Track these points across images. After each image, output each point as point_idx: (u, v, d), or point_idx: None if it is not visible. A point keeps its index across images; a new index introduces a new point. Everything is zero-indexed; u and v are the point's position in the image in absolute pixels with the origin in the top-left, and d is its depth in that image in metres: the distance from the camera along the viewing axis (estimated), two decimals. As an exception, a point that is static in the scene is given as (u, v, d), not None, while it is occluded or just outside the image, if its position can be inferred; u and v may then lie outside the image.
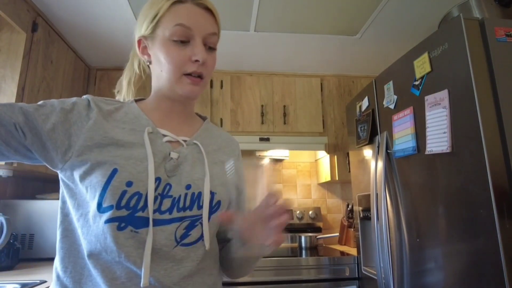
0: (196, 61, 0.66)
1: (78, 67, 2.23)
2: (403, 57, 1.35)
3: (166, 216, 0.62)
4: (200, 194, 0.66)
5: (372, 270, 1.63)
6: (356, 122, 1.77)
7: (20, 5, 1.59)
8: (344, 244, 2.44)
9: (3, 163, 1.50)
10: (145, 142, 0.64)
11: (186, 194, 0.64)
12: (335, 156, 2.44)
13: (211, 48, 0.72)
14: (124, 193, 0.59)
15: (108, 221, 0.58)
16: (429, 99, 1.17)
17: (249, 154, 2.60)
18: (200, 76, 0.68)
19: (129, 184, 0.59)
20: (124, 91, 0.79)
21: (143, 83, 0.81)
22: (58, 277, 0.62)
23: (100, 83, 2.40)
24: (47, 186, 2.43)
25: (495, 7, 1.40)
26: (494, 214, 0.92)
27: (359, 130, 1.72)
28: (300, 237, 2.36)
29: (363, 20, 1.92)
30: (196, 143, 0.71)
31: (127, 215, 0.59)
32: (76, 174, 0.61)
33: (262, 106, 2.45)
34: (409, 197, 1.30)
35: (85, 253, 0.60)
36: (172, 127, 0.72)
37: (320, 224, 2.55)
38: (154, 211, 0.60)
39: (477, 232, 0.98)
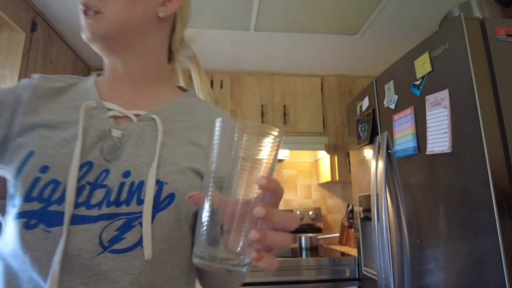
0: None
1: (78, 67, 2.23)
2: (403, 57, 1.35)
3: (94, 211, 0.47)
4: (142, 184, 0.49)
5: (373, 271, 1.63)
6: (356, 122, 1.76)
7: (20, 5, 1.59)
8: (345, 245, 2.44)
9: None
10: (79, 120, 0.51)
11: (122, 184, 0.49)
12: (336, 156, 2.43)
13: None
14: (36, 180, 0.46)
15: (17, 216, 0.45)
16: (429, 99, 1.17)
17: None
18: (87, 7, 0.53)
19: (44, 169, 0.46)
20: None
21: None
22: None
23: (100, 83, 2.39)
24: (46, 186, 2.42)
25: (495, 6, 1.40)
26: (495, 214, 0.91)
27: (359, 130, 1.71)
28: (300, 238, 2.35)
29: (363, 19, 1.91)
30: (153, 118, 0.55)
31: (38, 209, 0.45)
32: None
33: (262, 106, 2.45)
34: (410, 197, 1.30)
35: None
36: (126, 100, 0.58)
37: (320, 225, 2.55)
38: (81, 205, 0.47)
39: (477, 233, 0.97)
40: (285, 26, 1.97)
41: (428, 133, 1.16)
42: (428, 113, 1.17)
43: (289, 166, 2.75)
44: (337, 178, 2.39)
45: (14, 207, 0.46)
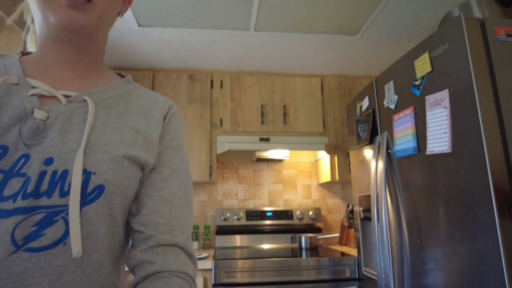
0: None
1: (78, 67, 2.23)
2: (403, 57, 1.35)
3: (8, 205, 0.41)
4: (66, 173, 0.44)
5: (373, 271, 1.62)
6: (356, 122, 1.76)
7: (19, 5, 1.59)
8: (345, 245, 2.44)
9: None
10: None
11: (43, 173, 0.43)
12: (336, 156, 2.43)
13: None
14: None
15: None
16: (429, 99, 1.17)
17: (249, 154, 2.59)
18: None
19: None
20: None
21: None
22: None
23: (100, 83, 2.39)
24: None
25: (495, 6, 1.40)
26: (495, 215, 0.91)
27: (359, 130, 1.71)
28: (300, 238, 2.35)
29: (363, 19, 1.91)
30: (85, 100, 0.49)
31: None
32: None
33: (262, 106, 2.45)
34: (410, 197, 1.29)
35: None
36: (55, 79, 0.50)
37: (320, 225, 2.55)
38: None
39: (477, 233, 0.97)
40: (285, 26, 1.97)
41: (428, 133, 1.16)
42: (428, 113, 1.17)
43: (289, 166, 2.75)
44: (337, 178, 2.39)
45: None
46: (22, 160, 0.42)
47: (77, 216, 0.42)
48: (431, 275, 1.15)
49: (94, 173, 0.45)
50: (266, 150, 2.46)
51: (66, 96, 0.48)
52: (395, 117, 1.38)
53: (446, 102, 1.09)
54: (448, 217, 1.09)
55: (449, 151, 1.07)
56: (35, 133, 0.44)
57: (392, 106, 1.41)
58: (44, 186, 0.42)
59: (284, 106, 2.47)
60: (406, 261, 1.30)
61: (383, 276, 1.39)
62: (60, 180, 0.43)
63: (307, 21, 1.92)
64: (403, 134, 1.32)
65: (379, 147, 1.48)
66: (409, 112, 1.29)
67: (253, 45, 2.18)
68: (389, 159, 1.42)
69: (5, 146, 0.41)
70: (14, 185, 0.41)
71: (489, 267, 0.93)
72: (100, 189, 0.45)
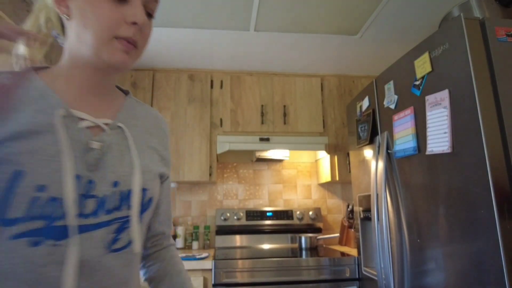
0: (135, 23, 0.54)
1: (78, 67, 2.23)
2: (403, 57, 1.35)
3: (91, 220, 0.52)
4: (129, 192, 0.56)
5: (373, 271, 1.63)
6: (356, 122, 1.76)
7: (19, 5, 1.59)
8: (345, 245, 2.44)
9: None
10: (57, 131, 0.50)
11: (114, 193, 0.54)
12: (336, 156, 2.43)
13: (149, 15, 0.61)
14: (35, 200, 0.47)
15: (17, 236, 0.46)
16: (429, 99, 1.17)
17: (249, 154, 2.59)
18: (134, 44, 0.56)
19: (41, 189, 0.47)
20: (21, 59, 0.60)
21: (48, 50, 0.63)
22: None
23: (100, 83, 2.39)
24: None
25: (495, 7, 1.40)
26: (495, 215, 0.91)
27: (359, 130, 1.71)
28: (300, 238, 2.35)
29: (363, 19, 1.91)
30: (120, 127, 0.59)
31: (43, 227, 0.47)
32: None
33: (262, 106, 2.45)
34: (410, 197, 1.29)
35: None
36: (92, 107, 0.57)
37: (320, 225, 2.55)
38: (79, 216, 0.50)
39: (477, 233, 0.97)
40: (285, 26, 1.97)
41: (428, 133, 1.16)
42: (428, 113, 1.17)
43: (289, 166, 2.75)
44: (337, 178, 2.39)
45: (8, 226, 0.46)
46: (90, 185, 0.53)
47: (137, 224, 0.57)
48: (431, 275, 1.15)
49: (147, 189, 0.60)
50: (266, 150, 2.46)
51: (105, 124, 0.58)
52: (395, 117, 1.38)
53: (446, 102, 1.09)
54: (448, 217, 1.09)
55: (449, 151, 1.07)
56: (96, 161, 0.54)
57: (392, 106, 1.41)
58: (116, 203, 0.55)
59: (284, 106, 2.47)
60: (406, 261, 1.30)
61: (383, 276, 1.39)
62: (127, 197, 0.56)
63: (307, 21, 1.92)
64: (403, 134, 1.32)
65: (379, 147, 1.48)
66: (409, 112, 1.29)
67: (253, 45, 2.18)
68: (389, 159, 1.42)
69: (79, 175, 0.51)
70: (89, 205, 0.52)
71: (489, 267, 0.93)
72: (151, 200, 0.61)
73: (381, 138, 1.47)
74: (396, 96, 1.39)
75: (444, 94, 1.10)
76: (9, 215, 0.46)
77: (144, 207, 0.59)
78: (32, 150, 0.48)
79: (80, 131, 0.54)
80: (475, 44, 1.02)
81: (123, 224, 0.55)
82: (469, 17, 1.05)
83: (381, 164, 1.43)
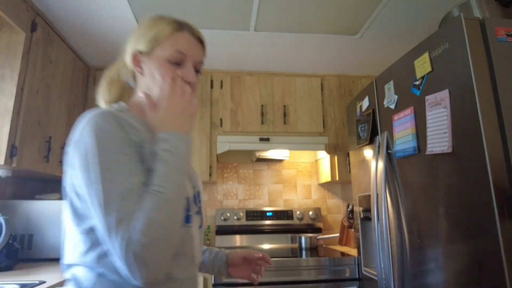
0: (188, 82, 0.75)
1: (78, 67, 2.23)
2: (403, 57, 1.35)
3: (195, 209, 0.78)
4: (199, 192, 0.83)
5: (373, 271, 1.63)
6: (356, 122, 1.76)
7: (19, 5, 1.59)
8: (345, 245, 2.44)
9: (1, 163, 1.49)
10: None
11: (197, 192, 0.82)
12: (336, 156, 2.43)
13: (197, 72, 0.81)
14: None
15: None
16: (429, 99, 1.17)
17: (249, 154, 2.59)
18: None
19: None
20: (103, 93, 0.82)
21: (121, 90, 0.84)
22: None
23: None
24: (46, 186, 2.42)
25: (495, 7, 1.40)
26: (495, 215, 0.91)
27: (359, 130, 1.71)
28: (300, 238, 2.35)
29: (363, 20, 1.91)
30: None
31: (186, 215, 0.72)
32: None
33: (262, 106, 2.45)
34: (410, 197, 1.29)
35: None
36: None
37: (320, 225, 2.55)
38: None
39: (478, 233, 0.97)
40: (285, 26, 1.97)
41: (428, 133, 1.16)
42: (428, 113, 1.17)
43: (289, 166, 2.75)
44: (337, 178, 2.39)
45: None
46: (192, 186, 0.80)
47: (205, 211, 0.82)
48: (431, 275, 1.15)
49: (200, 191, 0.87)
50: (266, 150, 2.46)
51: None
52: (395, 117, 1.38)
53: (446, 102, 1.09)
54: (448, 217, 1.09)
55: (449, 151, 1.07)
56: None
57: (392, 106, 1.41)
58: (197, 198, 0.81)
59: (284, 106, 2.47)
60: (406, 261, 1.30)
61: (383, 276, 1.39)
62: (198, 195, 0.82)
63: (307, 21, 1.92)
64: (403, 134, 1.32)
65: (379, 147, 1.48)
66: (409, 112, 1.29)
67: (253, 45, 2.18)
68: (389, 159, 1.42)
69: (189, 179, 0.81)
70: (194, 206, 0.79)
71: (489, 267, 0.93)
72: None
73: (381, 138, 1.47)
74: (396, 96, 1.39)
75: (444, 94, 1.10)
76: None
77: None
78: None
79: None
80: (475, 44, 1.02)
81: (200, 211, 0.81)
82: (469, 17, 1.05)
83: (381, 164, 1.43)
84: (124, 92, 0.83)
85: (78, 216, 0.64)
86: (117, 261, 0.58)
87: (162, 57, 0.74)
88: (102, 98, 0.82)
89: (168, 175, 0.63)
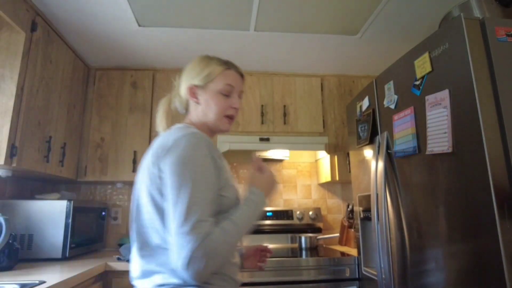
0: (235, 108, 0.99)
1: (78, 67, 2.23)
2: (403, 57, 1.35)
3: None
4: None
5: (373, 271, 1.63)
6: (356, 122, 1.76)
7: (19, 5, 1.59)
8: (345, 245, 2.44)
9: (1, 162, 1.49)
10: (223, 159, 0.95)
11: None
12: (336, 156, 2.43)
13: (240, 99, 1.03)
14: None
15: None
16: (429, 99, 1.17)
17: (249, 154, 2.59)
18: (233, 118, 1.00)
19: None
20: (161, 122, 1.04)
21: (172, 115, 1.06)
22: None
23: (100, 83, 2.39)
24: (46, 186, 2.42)
25: (495, 6, 1.40)
26: (495, 214, 0.91)
27: (359, 130, 1.71)
28: (300, 238, 2.35)
29: (363, 19, 1.91)
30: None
31: None
32: None
33: (262, 106, 2.45)
34: (410, 197, 1.30)
35: None
36: None
37: (320, 225, 2.55)
38: None
39: (477, 233, 0.97)
40: (285, 26, 1.97)
41: (428, 133, 1.16)
42: (428, 113, 1.17)
43: (289, 166, 2.75)
44: (337, 178, 2.39)
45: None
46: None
47: None
48: (431, 275, 1.16)
49: None
50: (266, 150, 2.46)
51: None
52: (395, 117, 1.38)
53: (446, 102, 1.09)
54: (448, 217, 1.09)
55: (449, 151, 1.07)
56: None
57: (392, 106, 1.41)
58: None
59: (284, 106, 2.47)
60: (406, 261, 1.30)
61: (383, 276, 1.39)
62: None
63: (307, 21, 1.92)
64: (403, 134, 1.32)
65: (379, 147, 1.48)
66: (409, 112, 1.29)
67: (253, 45, 2.18)
68: (389, 159, 1.42)
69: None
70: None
71: (489, 267, 0.93)
72: None
73: (381, 138, 1.47)
74: (396, 96, 1.39)
75: (444, 94, 1.10)
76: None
77: None
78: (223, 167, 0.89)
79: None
80: (475, 44, 1.03)
81: None
82: (469, 17, 1.05)
83: (381, 164, 1.43)
84: (173, 117, 1.04)
85: (158, 208, 0.81)
86: (176, 253, 0.72)
87: (215, 90, 0.97)
88: (161, 124, 1.03)
89: (247, 217, 0.84)
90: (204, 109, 0.97)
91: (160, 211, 0.80)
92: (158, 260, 0.80)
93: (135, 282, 0.85)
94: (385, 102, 1.47)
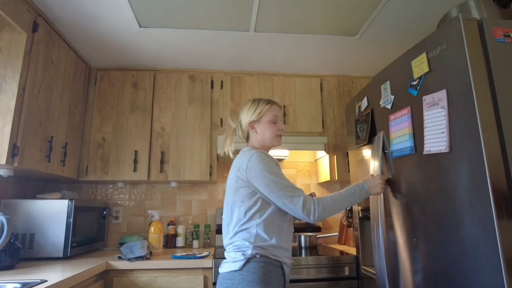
0: (281, 130, 1.44)
1: (79, 67, 2.24)
2: (400, 57, 1.36)
3: None
4: None
5: (371, 270, 1.64)
6: (355, 122, 1.77)
7: (21, 5, 1.60)
8: (344, 244, 2.45)
9: (3, 162, 1.50)
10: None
11: None
12: (335, 156, 2.44)
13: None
14: None
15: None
16: (427, 99, 1.17)
17: (249, 154, 2.60)
18: (281, 136, 1.45)
19: None
20: (230, 146, 1.47)
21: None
22: None
23: (101, 83, 2.41)
24: (47, 185, 2.43)
25: (493, 7, 1.41)
26: (493, 214, 0.92)
27: (358, 130, 1.72)
28: (299, 237, 2.36)
29: (362, 20, 1.93)
30: None
31: None
32: None
33: (262, 106, 2.46)
34: (407, 197, 1.30)
35: None
36: None
37: (319, 224, 2.56)
38: None
39: (476, 232, 0.98)
40: (285, 27, 1.98)
41: (425, 133, 1.17)
42: (425, 113, 1.17)
43: (289, 166, 2.76)
44: (336, 178, 2.40)
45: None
46: None
47: None
48: (429, 274, 1.16)
49: None
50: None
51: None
52: (392, 117, 1.39)
53: (444, 102, 1.10)
54: (446, 217, 1.10)
55: (447, 150, 1.08)
56: None
57: (389, 106, 1.42)
58: None
59: (284, 106, 2.48)
60: (404, 260, 1.31)
61: (382, 275, 1.40)
62: None
63: (307, 22, 1.93)
64: (399, 134, 1.33)
65: (377, 147, 1.49)
66: (406, 112, 1.30)
67: (253, 45, 2.19)
68: (386, 159, 1.43)
69: None
70: None
71: (488, 266, 0.94)
72: None
73: (377, 138, 1.48)
74: (392, 96, 1.40)
75: (442, 94, 1.11)
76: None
77: None
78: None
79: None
80: (473, 45, 1.03)
81: None
82: (467, 18, 1.06)
83: (377, 164, 1.44)
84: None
85: (250, 195, 1.27)
86: (299, 214, 1.23)
87: (267, 121, 1.40)
88: (229, 147, 1.46)
89: (347, 195, 1.30)
90: (262, 136, 1.41)
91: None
92: None
93: None
94: (381, 102, 1.48)
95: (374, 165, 1.48)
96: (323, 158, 2.59)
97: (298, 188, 1.27)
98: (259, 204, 1.26)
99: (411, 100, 1.27)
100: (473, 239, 0.99)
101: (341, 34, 2.08)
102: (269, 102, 1.44)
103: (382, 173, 1.43)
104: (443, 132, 1.09)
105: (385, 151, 1.44)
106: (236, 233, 1.26)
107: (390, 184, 1.41)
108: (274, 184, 1.23)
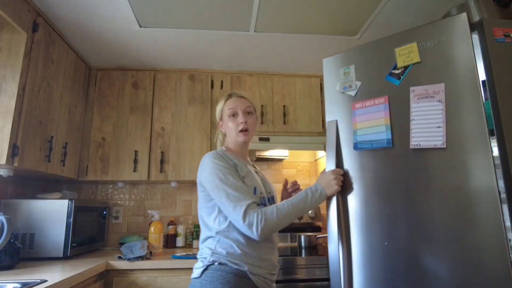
0: (242, 123, 1.28)
1: (79, 67, 2.24)
2: (371, 43, 1.26)
3: (271, 201, 1.32)
4: (273, 196, 1.34)
5: (371, 270, 1.63)
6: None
7: (21, 5, 1.60)
8: (344, 244, 2.44)
9: (3, 162, 1.50)
10: (251, 170, 1.29)
11: (271, 196, 1.32)
12: (335, 156, 2.44)
13: (249, 113, 1.34)
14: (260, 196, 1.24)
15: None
16: (416, 90, 1.12)
17: (249, 154, 2.60)
18: (246, 130, 1.29)
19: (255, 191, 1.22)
20: (219, 144, 1.42)
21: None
22: None
23: (101, 83, 2.41)
24: (47, 185, 2.43)
25: (494, 7, 1.40)
26: (501, 214, 0.92)
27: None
28: (299, 237, 2.36)
29: (362, 20, 1.93)
30: (254, 166, 1.43)
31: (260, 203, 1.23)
32: None
33: (262, 106, 2.46)
34: (379, 195, 1.21)
35: None
36: (244, 159, 1.36)
37: (319, 224, 2.56)
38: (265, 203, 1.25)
39: (476, 232, 0.98)
40: (285, 27, 1.98)
41: (412, 126, 1.11)
42: (413, 105, 1.11)
43: (289, 166, 2.76)
44: (337, 178, 2.39)
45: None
46: (267, 188, 1.33)
47: None
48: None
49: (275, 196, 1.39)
50: (266, 149, 2.47)
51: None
52: (357, 105, 1.26)
53: (442, 96, 1.06)
54: (447, 217, 1.09)
55: (443, 146, 1.04)
56: (263, 180, 1.35)
57: (352, 93, 1.29)
58: (272, 199, 1.34)
59: (284, 106, 2.48)
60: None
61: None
62: (272, 199, 1.33)
63: (307, 22, 1.93)
64: (370, 125, 1.22)
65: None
66: (382, 101, 1.20)
67: (253, 45, 2.19)
68: (339, 150, 1.28)
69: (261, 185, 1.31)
70: (268, 204, 1.27)
71: (487, 267, 0.94)
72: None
73: (329, 126, 1.31)
74: (358, 83, 1.27)
75: (439, 88, 1.07)
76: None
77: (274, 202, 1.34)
78: (251, 177, 1.25)
79: (254, 172, 1.31)
80: (472, 45, 1.03)
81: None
82: (467, 18, 1.06)
83: (330, 156, 1.27)
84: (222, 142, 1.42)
85: (206, 199, 1.20)
86: (241, 227, 1.10)
87: (226, 116, 1.31)
88: (219, 147, 1.39)
89: (297, 202, 1.16)
90: (228, 133, 1.33)
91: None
92: None
93: None
94: (338, 88, 1.33)
95: (326, 159, 1.30)
96: (323, 158, 2.59)
97: (247, 194, 1.12)
98: (217, 209, 1.17)
99: (389, 89, 1.18)
100: (473, 239, 0.98)
101: (341, 34, 2.08)
102: (228, 95, 1.34)
103: (337, 166, 1.26)
104: (439, 127, 1.06)
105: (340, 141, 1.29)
106: (204, 239, 1.20)
107: (349, 179, 1.25)
108: (217, 190, 1.12)
